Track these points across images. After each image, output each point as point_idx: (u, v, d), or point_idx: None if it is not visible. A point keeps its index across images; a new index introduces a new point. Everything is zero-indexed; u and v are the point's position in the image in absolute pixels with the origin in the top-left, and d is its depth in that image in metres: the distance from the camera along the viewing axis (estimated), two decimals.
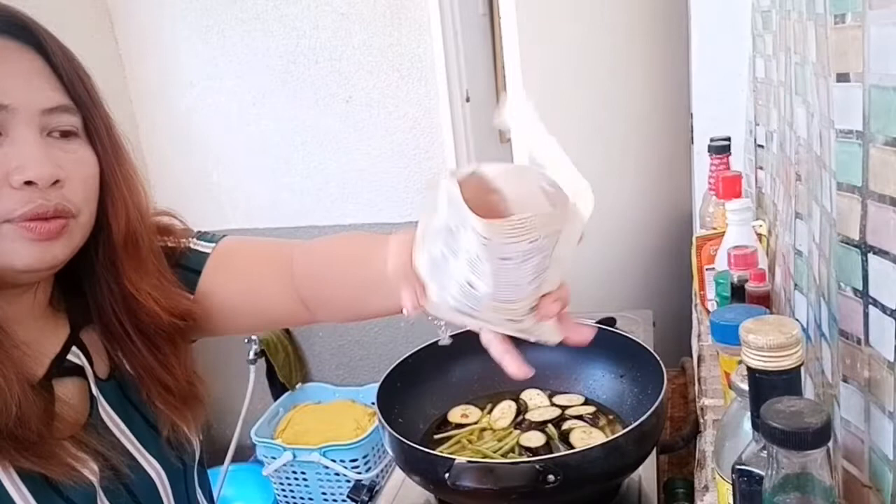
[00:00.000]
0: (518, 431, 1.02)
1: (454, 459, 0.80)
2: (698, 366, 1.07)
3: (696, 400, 1.03)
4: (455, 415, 1.09)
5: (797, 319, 0.75)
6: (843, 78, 0.52)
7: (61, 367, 0.68)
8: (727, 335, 0.74)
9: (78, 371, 0.69)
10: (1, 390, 0.58)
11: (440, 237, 0.53)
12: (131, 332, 0.71)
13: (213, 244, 0.81)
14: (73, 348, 0.69)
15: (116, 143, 0.70)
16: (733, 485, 0.53)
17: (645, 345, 1.03)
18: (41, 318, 0.69)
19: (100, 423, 0.68)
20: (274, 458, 2.28)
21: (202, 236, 0.82)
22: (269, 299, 0.79)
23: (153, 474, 0.71)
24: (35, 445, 0.60)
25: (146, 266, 0.71)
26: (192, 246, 0.80)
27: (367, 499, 1.03)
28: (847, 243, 0.52)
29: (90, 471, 0.64)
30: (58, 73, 0.65)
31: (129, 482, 0.68)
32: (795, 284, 0.76)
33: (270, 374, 2.51)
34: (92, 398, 0.68)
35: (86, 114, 0.67)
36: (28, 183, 0.60)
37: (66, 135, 0.65)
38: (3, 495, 0.59)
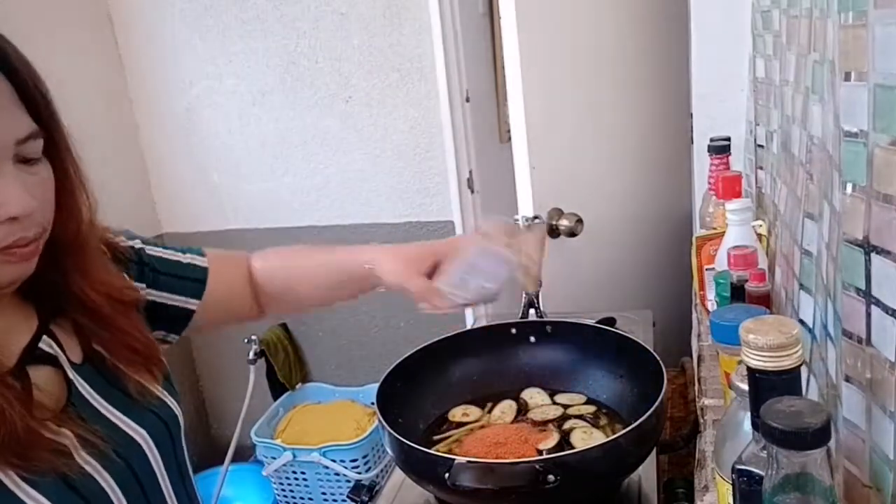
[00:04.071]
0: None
1: (454, 459, 0.80)
2: (698, 366, 1.07)
3: (696, 400, 1.03)
4: (455, 414, 1.09)
5: (802, 320, 0.75)
6: (847, 77, 0.52)
7: (33, 355, 0.69)
8: (727, 335, 0.74)
9: (51, 360, 0.70)
10: None
11: (465, 267, 0.87)
12: (88, 316, 0.74)
13: (200, 256, 0.91)
14: (45, 337, 0.71)
15: (72, 157, 0.71)
16: (733, 485, 0.53)
17: (645, 345, 1.03)
18: (8, 310, 0.71)
19: (80, 402, 0.70)
20: (274, 458, 2.28)
21: (149, 241, 0.89)
22: (234, 302, 0.94)
23: (140, 440, 0.73)
24: (19, 445, 0.61)
25: (91, 268, 0.75)
26: (165, 256, 0.88)
27: (367, 499, 1.03)
28: (851, 243, 0.52)
29: (78, 452, 0.65)
30: (26, 97, 0.64)
31: (119, 451, 0.70)
32: (802, 285, 0.76)
33: (270, 374, 2.51)
34: (69, 383, 0.70)
35: (49, 134, 0.67)
36: (12, 218, 0.62)
37: (34, 161, 0.66)
38: (7, 494, 0.60)
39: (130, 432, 0.73)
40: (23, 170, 0.64)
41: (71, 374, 0.71)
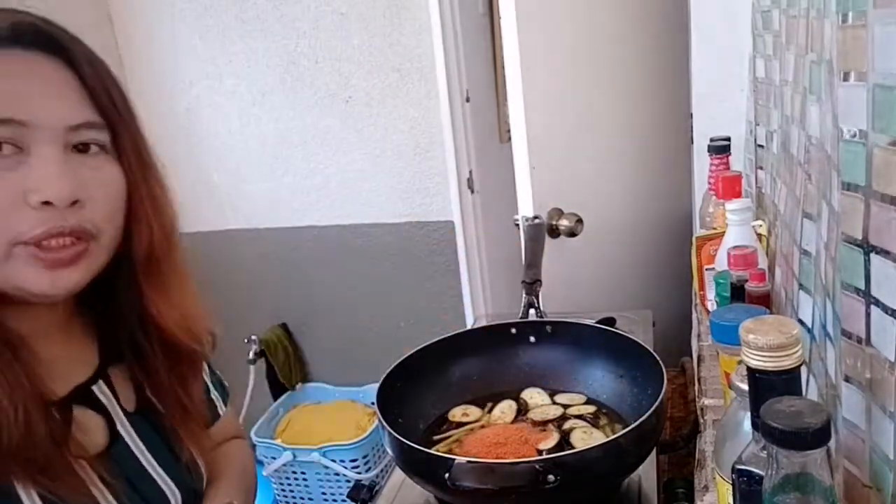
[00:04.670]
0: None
1: (454, 459, 0.80)
2: (698, 366, 1.07)
3: (696, 400, 1.03)
4: (455, 414, 1.09)
5: (801, 320, 0.75)
6: (846, 77, 0.52)
7: (84, 395, 0.68)
8: (727, 335, 0.74)
9: (100, 407, 0.69)
10: (5, 409, 0.57)
11: None
12: (155, 349, 0.72)
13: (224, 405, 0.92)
14: (100, 382, 0.70)
15: (145, 161, 0.69)
16: (733, 485, 0.53)
17: (645, 345, 1.03)
18: (65, 337, 0.69)
19: (124, 452, 0.69)
20: (274, 458, 2.28)
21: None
22: None
23: (171, 498, 0.73)
24: (47, 466, 0.59)
25: (167, 287, 0.71)
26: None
27: (367, 499, 1.03)
28: (850, 243, 0.52)
29: (105, 497, 0.64)
30: (86, 86, 0.63)
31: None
32: (801, 285, 0.76)
33: (270, 374, 2.51)
34: (113, 432, 0.69)
35: (115, 129, 0.65)
36: (46, 203, 0.59)
37: (91, 150, 0.63)
38: None
39: (165, 489, 0.72)
40: (76, 159, 0.62)
41: (120, 424, 0.70)
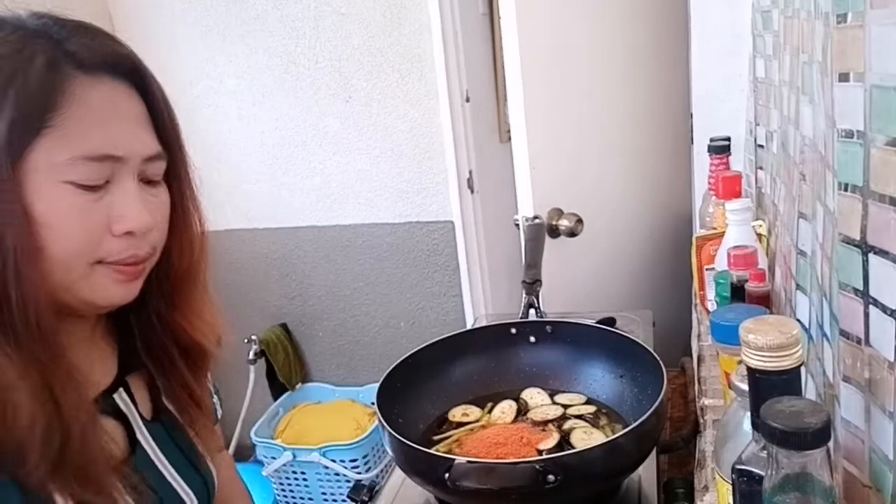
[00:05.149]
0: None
1: (454, 459, 0.80)
2: (698, 366, 1.07)
3: (696, 400, 1.03)
4: (455, 414, 1.09)
5: (798, 320, 0.75)
6: (844, 78, 0.52)
7: (105, 404, 0.69)
8: (727, 335, 0.74)
9: (120, 415, 0.70)
10: (67, 415, 0.59)
11: None
12: (177, 357, 0.75)
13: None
14: (120, 390, 0.71)
15: (191, 184, 0.73)
16: (733, 485, 0.53)
17: (645, 345, 1.03)
18: (89, 347, 0.71)
19: (143, 459, 0.71)
20: (274, 458, 2.28)
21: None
22: None
23: (187, 501, 0.74)
24: (87, 476, 0.61)
25: (197, 300, 0.75)
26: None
27: (367, 499, 1.03)
28: (848, 243, 0.52)
29: (121, 495, 0.65)
30: (155, 117, 0.67)
31: None
32: (798, 285, 0.76)
33: (270, 374, 2.51)
34: (132, 440, 0.70)
35: (171, 157, 0.69)
36: (128, 233, 0.63)
37: (156, 183, 0.67)
38: None
39: (181, 493, 0.74)
40: (144, 189, 0.66)
41: (139, 433, 0.71)
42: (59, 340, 0.61)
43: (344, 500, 2.24)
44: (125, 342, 0.74)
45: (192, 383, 0.76)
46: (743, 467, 0.52)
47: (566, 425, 1.02)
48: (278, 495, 2.38)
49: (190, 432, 0.78)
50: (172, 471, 0.73)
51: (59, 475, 0.58)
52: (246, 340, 2.46)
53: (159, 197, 0.68)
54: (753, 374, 0.52)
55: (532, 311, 1.28)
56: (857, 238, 0.51)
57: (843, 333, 0.55)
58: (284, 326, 2.55)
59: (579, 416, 1.04)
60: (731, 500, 0.55)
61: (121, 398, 0.71)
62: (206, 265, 0.76)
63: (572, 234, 1.67)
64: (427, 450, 0.88)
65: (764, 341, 0.50)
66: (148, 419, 0.73)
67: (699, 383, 1.02)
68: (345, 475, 2.21)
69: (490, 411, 1.09)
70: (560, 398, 1.10)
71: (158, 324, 0.73)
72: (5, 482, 0.57)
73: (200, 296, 0.76)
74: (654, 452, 0.96)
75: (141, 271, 0.66)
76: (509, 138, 1.74)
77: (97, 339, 0.72)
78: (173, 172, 0.70)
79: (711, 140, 1.31)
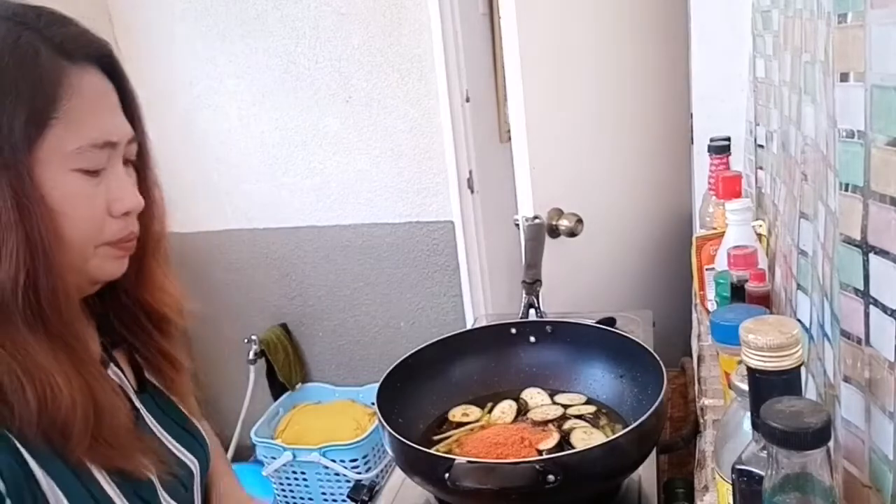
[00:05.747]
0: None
1: (454, 459, 0.80)
2: (698, 366, 1.07)
3: (696, 400, 1.03)
4: (455, 414, 1.09)
5: (799, 319, 0.75)
6: (844, 78, 0.52)
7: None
8: (727, 335, 0.74)
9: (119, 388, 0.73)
10: (97, 391, 0.63)
11: None
12: (151, 330, 0.78)
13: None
14: (111, 365, 0.74)
15: (152, 161, 0.76)
16: (733, 485, 0.53)
17: (645, 345, 1.03)
18: (85, 325, 0.73)
19: (145, 428, 0.74)
20: (274, 458, 2.28)
21: None
22: None
23: (192, 467, 0.77)
24: (117, 445, 0.64)
25: (164, 274, 0.79)
26: None
27: (367, 499, 1.03)
28: (849, 243, 0.52)
29: (148, 468, 0.68)
30: (126, 101, 0.70)
31: (179, 475, 0.74)
32: (798, 285, 0.76)
33: (270, 374, 2.52)
34: (134, 408, 0.73)
35: (140, 140, 0.73)
36: (125, 213, 0.67)
37: (130, 163, 0.71)
38: (105, 499, 0.63)
39: (186, 460, 0.77)
40: (127, 172, 0.70)
41: (137, 403, 0.74)
42: (81, 323, 0.66)
43: (344, 500, 2.24)
44: (101, 320, 0.77)
45: (166, 348, 0.80)
46: (743, 467, 0.52)
47: (566, 425, 1.02)
48: (278, 495, 2.38)
49: (174, 398, 0.81)
50: (171, 439, 0.76)
51: (97, 448, 0.62)
52: (246, 340, 2.46)
53: (133, 176, 0.72)
54: (753, 374, 0.52)
55: (532, 311, 1.28)
56: (858, 238, 0.51)
57: (844, 333, 0.55)
58: (284, 326, 2.55)
59: (579, 416, 1.04)
60: (731, 500, 0.55)
61: (114, 372, 0.73)
62: (166, 240, 0.80)
63: (572, 234, 1.67)
64: (427, 450, 0.88)
65: (764, 341, 0.50)
66: (137, 391, 0.76)
67: (699, 383, 1.02)
68: (345, 475, 2.21)
69: (490, 411, 1.09)
70: (560, 398, 1.10)
71: (128, 300, 0.76)
72: (59, 466, 0.60)
73: (163, 270, 0.79)
74: (654, 452, 0.96)
75: (132, 247, 0.71)
76: (509, 138, 1.74)
77: (85, 318, 0.74)
78: (142, 154, 0.74)
79: (711, 140, 1.31)
